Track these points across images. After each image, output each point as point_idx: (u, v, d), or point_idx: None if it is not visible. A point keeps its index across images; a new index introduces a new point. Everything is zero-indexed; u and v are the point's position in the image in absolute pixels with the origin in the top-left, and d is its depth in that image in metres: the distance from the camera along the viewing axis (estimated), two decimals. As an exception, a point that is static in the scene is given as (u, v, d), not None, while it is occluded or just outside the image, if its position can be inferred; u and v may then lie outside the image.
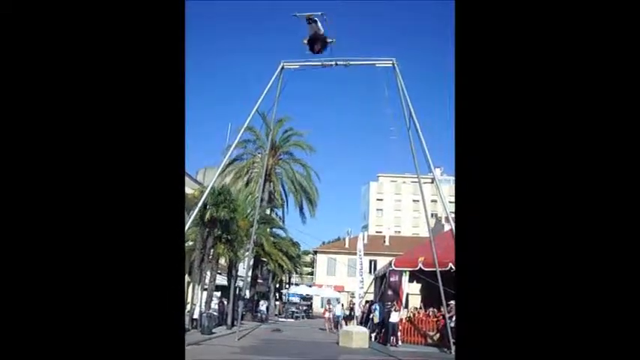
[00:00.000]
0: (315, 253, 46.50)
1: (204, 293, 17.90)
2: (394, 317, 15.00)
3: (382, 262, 30.22)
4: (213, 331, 15.95)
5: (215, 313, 17.92)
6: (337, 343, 14.34)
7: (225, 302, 20.80)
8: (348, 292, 36.92)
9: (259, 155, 28.07)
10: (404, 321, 15.75)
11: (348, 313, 21.01)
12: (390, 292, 16.60)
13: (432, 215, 48.51)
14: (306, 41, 10.95)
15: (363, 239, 44.39)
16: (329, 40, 11.05)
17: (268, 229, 27.02)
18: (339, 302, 22.31)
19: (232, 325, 18.32)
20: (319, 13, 10.36)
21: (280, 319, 28.10)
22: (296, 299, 35.40)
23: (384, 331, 15.61)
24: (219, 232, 18.35)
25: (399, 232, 64.92)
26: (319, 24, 10.62)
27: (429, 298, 17.38)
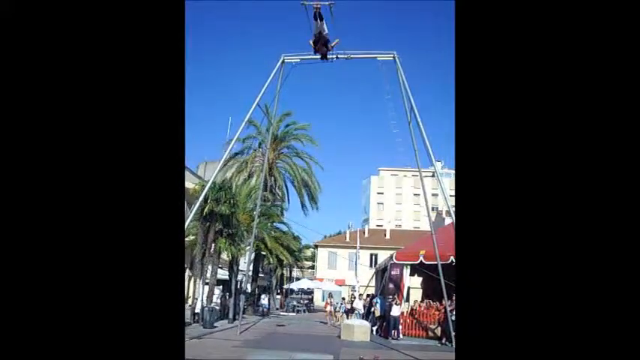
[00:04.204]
0: (316, 247, 46.55)
1: (206, 287, 17.95)
2: (395, 311, 15.06)
3: (383, 255, 30.30)
4: (215, 325, 16.00)
5: (217, 307, 17.94)
6: (339, 337, 14.38)
7: (227, 296, 20.86)
8: (348, 285, 36.99)
9: (260, 149, 28.02)
10: (405, 314, 15.81)
11: (349, 307, 20.86)
12: (391, 286, 16.65)
13: (432, 209, 48.55)
14: (311, 42, 11.03)
15: (364, 233, 44.59)
16: (333, 44, 11.19)
17: (269, 224, 27.02)
18: (358, 298, 20.37)
19: (234, 319, 18.39)
20: (327, 2, 10.22)
21: (282, 313, 28.18)
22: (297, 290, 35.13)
23: (385, 325, 15.68)
24: (221, 227, 18.38)
25: (400, 225, 65.01)
26: (325, 24, 10.61)
27: (430, 292, 17.43)
